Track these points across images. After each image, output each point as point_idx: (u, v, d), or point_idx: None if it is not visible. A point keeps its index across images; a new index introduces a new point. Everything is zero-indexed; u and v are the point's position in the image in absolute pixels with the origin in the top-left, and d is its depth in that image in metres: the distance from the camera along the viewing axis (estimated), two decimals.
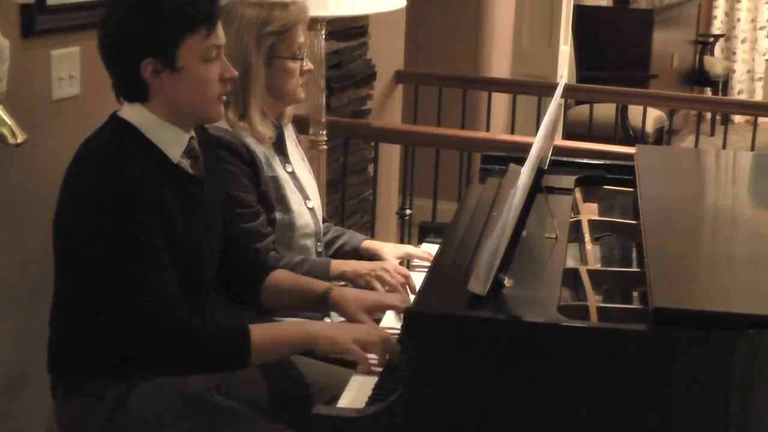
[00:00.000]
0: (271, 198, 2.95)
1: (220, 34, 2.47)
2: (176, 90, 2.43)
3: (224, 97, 2.52)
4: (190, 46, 2.41)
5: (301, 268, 2.93)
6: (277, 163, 3.00)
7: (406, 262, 3.27)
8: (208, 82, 2.46)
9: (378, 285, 2.89)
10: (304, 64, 3.01)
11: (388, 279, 2.90)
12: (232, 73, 2.51)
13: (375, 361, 2.42)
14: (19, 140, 2.65)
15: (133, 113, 2.46)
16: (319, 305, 2.74)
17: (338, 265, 2.99)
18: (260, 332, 2.42)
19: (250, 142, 2.91)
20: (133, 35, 2.38)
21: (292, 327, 2.55)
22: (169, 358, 2.39)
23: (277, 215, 2.97)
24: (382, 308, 2.69)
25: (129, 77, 2.42)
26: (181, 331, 2.37)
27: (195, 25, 2.40)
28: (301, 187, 3.07)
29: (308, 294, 2.74)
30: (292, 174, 3.05)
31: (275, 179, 2.97)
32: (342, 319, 2.78)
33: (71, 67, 3.10)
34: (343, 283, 2.73)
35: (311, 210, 3.08)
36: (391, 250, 3.16)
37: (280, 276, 2.79)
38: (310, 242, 3.06)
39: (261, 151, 2.94)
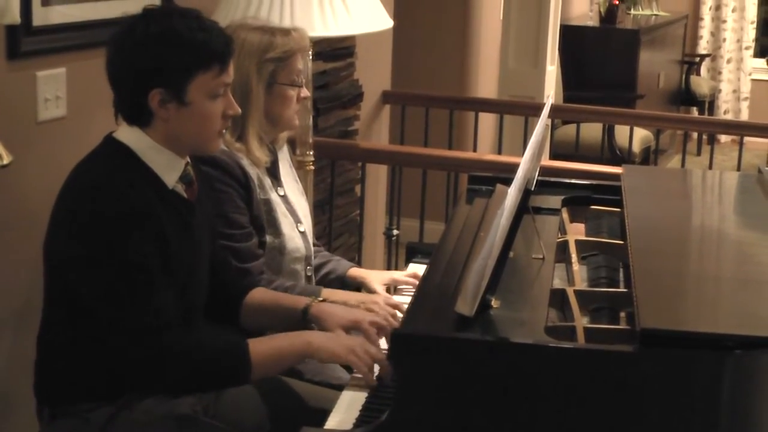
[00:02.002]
0: (262, 220, 2.94)
1: (231, 72, 2.48)
2: (180, 122, 2.43)
3: (224, 131, 2.53)
4: (201, 82, 2.41)
5: (291, 292, 2.92)
6: (269, 186, 2.99)
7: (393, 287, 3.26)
8: (212, 117, 2.46)
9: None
10: (302, 91, 3.01)
11: (378, 311, 2.88)
12: (235, 110, 2.51)
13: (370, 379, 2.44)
14: (5, 162, 2.65)
15: (130, 136, 2.46)
16: (300, 322, 2.73)
17: (328, 294, 2.96)
18: (259, 346, 2.42)
19: (245, 163, 2.91)
20: (147, 64, 2.38)
21: (290, 338, 2.53)
22: (170, 378, 2.38)
23: (268, 238, 2.96)
24: (359, 329, 2.68)
25: (135, 102, 2.42)
26: (181, 352, 2.37)
27: (209, 62, 2.41)
28: (293, 210, 3.06)
29: (288, 310, 2.73)
30: (284, 198, 3.04)
31: (267, 202, 2.97)
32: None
33: (57, 88, 3.10)
34: (321, 298, 2.72)
35: (302, 234, 3.07)
36: (377, 278, 3.14)
37: (259, 294, 2.78)
38: (299, 266, 3.05)
39: (255, 173, 2.93)
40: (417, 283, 3.09)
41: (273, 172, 3.04)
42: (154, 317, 2.35)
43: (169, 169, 2.48)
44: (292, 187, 3.13)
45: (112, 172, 2.40)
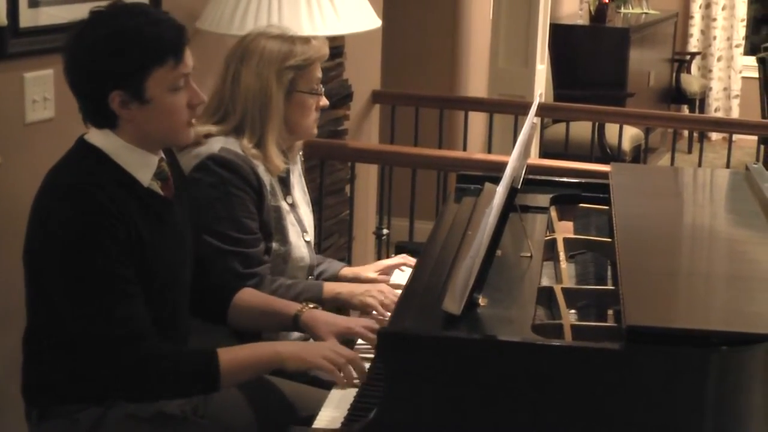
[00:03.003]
0: (271, 227, 2.95)
1: (188, 62, 2.45)
2: (145, 120, 2.42)
3: (193, 121, 2.52)
4: (158, 77, 2.39)
5: (295, 289, 2.93)
6: (280, 194, 3.00)
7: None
8: (176, 110, 2.44)
9: (372, 302, 2.89)
10: (320, 100, 3.02)
11: (382, 298, 2.90)
12: (200, 98, 2.50)
13: (345, 380, 2.45)
14: None
15: (101, 139, 2.45)
16: (289, 327, 2.73)
17: (332, 287, 3.00)
18: (229, 355, 2.43)
19: (260, 170, 2.91)
20: (100, 69, 2.37)
21: (260, 348, 2.54)
22: (140, 388, 2.39)
23: (274, 245, 2.97)
24: (352, 335, 2.69)
25: (97, 107, 2.41)
26: (151, 362, 2.37)
27: (162, 56, 2.38)
28: (300, 220, 3.07)
29: (278, 315, 2.73)
30: (292, 206, 3.05)
31: (277, 209, 2.98)
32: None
33: (45, 89, 3.09)
34: (313, 305, 2.73)
35: (308, 243, 3.08)
36: (369, 269, 3.17)
37: (249, 295, 2.78)
38: (302, 275, 3.06)
39: (268, 179, 2.94)
40: (408, 262, 3.16)
41: (285, 181, 3.04)
42: (124, 327, 2.34)
43: (143, 167, 2.47)
44: (301, 197, 3.14)
45: (82, 176, 2.39)
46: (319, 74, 3.01)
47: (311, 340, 2.74)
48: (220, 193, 2.83)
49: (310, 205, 3.22)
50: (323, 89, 3.04)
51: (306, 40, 2.99)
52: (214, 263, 2.78)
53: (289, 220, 3.01)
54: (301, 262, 3.04)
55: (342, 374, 2.45)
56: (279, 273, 2.99)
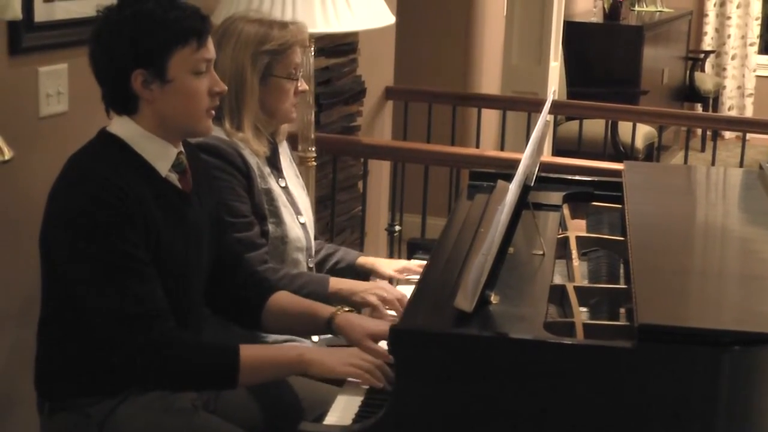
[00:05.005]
0: (264, 209, 2.95)
1: (211, 48, 2.48)
2: (166, 102, 2.44)
3: (213, 112, 2.52)
4: (180, 58, 2.41)
5: (299, 280, 2.93)
6: (270, 176, 3.01)
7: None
8: (197, 94, 2.46)
9: (373, 299, 2.89)
10: (299, 84, 3.02)
11: (384, 295, 2.90)
12: (221, 87, 2.51)
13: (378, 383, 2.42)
14: (7, 157, 2.65)
15: (121, 127, 2.47)
16: (322, 330, 2.71)
17: (335, 282, 2.99)
18: (251, 353, 2.42)
19: (246, 153, 2.92)
20: (124, 47, 2.39)
21: (284, 350, 2.54)
22: (157, 370, 2.37)
23: (270, 227, 2.97)
24: (386, 337, 2.67)
25: (119, 88, 2.43)
26: (169, 343, 2.36)
27: (185, 37, 2.41)
28: (294, 202, 3.07)
29: (313, 318, 2.69)
30: (285, 189, 3.06)
31: (268, 191, 2.98)
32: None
33: (59, 83, 3.11)
34: (348, 308, 2.71)
35: (303, 225, 3.08)
36: (387, 264, 3.17)
37: (284, 298, 2.74)
38: (301, 256, 3.06)
39: (255, 162, 2.95)
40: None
41: (273, 163, 3.05)
42: (142, 307, 2.34)
43: (161, 157, 2.48)
44: (293, 182, 3.14)
45: (100, 163, 2.41)
46: (298, 60, 3.00)
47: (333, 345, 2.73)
48: (209, 183, 2.84)
49: (305, 189, 3.23)
50: (302, 74, 3.04)
51: (284, 24, 2.99)
52: (242, 263, 2.77)
53: (282, 201, 3.01)
54: (298, 243, 3.04)
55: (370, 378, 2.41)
56: (279, 255, 3.00)
